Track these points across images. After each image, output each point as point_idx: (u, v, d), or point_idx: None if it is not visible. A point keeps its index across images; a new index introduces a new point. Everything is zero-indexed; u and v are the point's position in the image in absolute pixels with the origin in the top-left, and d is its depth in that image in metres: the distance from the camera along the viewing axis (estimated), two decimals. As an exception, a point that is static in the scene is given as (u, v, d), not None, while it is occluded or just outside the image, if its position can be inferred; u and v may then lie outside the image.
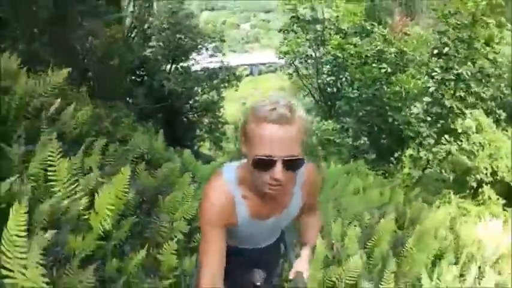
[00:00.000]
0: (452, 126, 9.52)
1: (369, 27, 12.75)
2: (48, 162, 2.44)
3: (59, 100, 3.24)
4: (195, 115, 13.21)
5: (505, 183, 10.93)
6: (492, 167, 10.80)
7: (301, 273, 1.53)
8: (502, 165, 10.78)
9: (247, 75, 50.56)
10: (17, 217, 1.53)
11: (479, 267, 4.32)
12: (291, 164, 1.18)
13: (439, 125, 9.62)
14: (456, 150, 9.92)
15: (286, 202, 1.41)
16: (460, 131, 9.46)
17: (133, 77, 11.29)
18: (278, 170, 1.16)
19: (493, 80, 14.26)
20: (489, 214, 8.29)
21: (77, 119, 3.50)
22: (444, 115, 9.63)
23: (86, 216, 2.40)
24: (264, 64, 53.39)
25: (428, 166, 9.91)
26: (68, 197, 2.41)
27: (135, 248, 2.50)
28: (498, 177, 10.81)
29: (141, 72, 11.60)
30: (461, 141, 9.65)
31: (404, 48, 12.06)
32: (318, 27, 13.80)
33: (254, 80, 48.20)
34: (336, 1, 13.50)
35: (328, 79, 13.12)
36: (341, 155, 10.32)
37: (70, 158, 2.67)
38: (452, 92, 9.47)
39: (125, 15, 10.46)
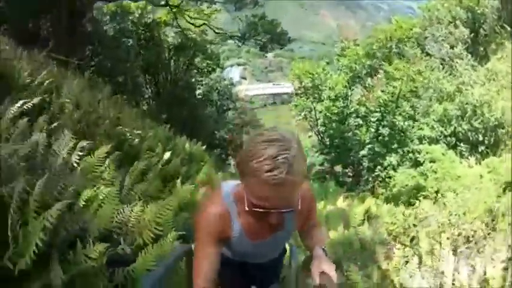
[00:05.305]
0: (381, 161, 16.08)
1: (349, 93, 19.27)
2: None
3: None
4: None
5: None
6: (437, 187, 16.66)
7: (327, 276, 1.29)
8: (445, 186, 16.39)
9: (270, 104, 56.36)
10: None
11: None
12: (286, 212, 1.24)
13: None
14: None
15: (281, 223, 1.38)
16: (385, 165, 15.92)
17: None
18: (273, 219, 1.25)
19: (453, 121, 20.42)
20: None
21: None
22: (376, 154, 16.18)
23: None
24: (287, 94, 58.51)
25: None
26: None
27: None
28: (440, 195, 16.37)
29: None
30: (389, 170, 16.06)
31: (371, 108, 18.45)
32: (316, 91, 20.38)
33: (276, 109, 51.91)
34: (328, 74, 20.19)
35: (321, 129, 19.74)
36: (322, 178, 16.95)
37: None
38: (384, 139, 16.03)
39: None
